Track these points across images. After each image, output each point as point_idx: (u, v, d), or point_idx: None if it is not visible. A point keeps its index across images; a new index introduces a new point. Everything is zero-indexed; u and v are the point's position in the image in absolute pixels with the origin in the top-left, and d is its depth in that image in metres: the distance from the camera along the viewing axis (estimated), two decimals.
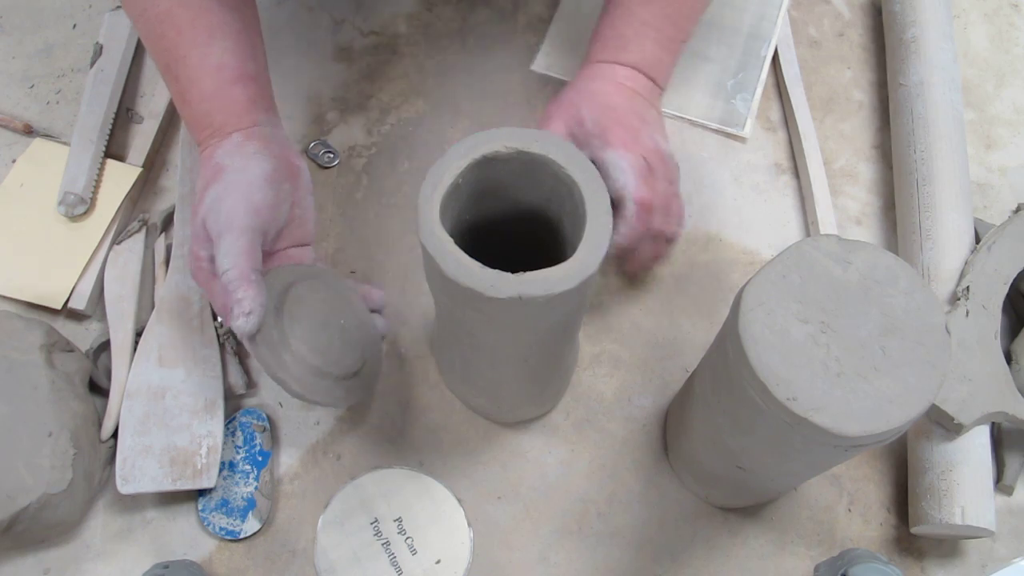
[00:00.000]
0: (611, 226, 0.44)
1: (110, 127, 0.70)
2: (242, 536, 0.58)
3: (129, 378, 0.60)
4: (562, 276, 0.42)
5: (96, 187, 0.67)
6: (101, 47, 0.72)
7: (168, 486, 0.57)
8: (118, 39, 0.73)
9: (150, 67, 0.75)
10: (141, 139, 0.70)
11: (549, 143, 0.45)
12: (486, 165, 0.45)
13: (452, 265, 0.42)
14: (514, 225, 0.51)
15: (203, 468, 0.58)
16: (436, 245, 0.42)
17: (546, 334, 0.48)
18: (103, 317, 0.63)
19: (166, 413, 0.59)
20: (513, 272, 0.42)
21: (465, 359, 0.54)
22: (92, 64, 0.72)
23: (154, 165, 0.71)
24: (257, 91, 0.57)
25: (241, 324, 0.49)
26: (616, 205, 0.54)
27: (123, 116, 0.72)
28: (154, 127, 0.70)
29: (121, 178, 0.67)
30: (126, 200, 0.67)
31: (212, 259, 0.53)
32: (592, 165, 0.45)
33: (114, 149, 0.70)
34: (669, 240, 0.61)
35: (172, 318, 0.62)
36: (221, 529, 0.58)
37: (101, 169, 0.68)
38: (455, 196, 0.45)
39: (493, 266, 0.42)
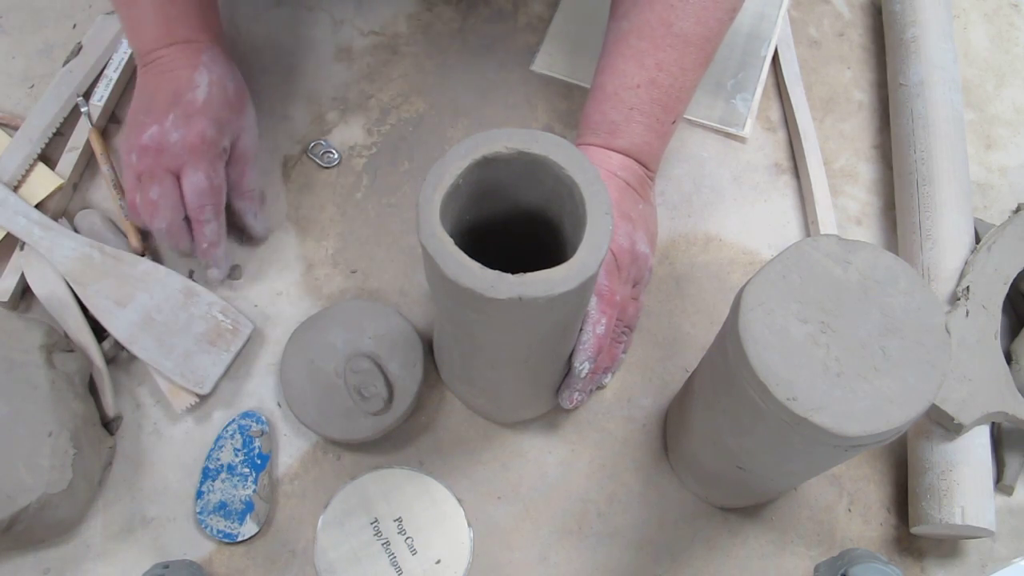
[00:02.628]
0: (612, 227, 0.43)
1: (54, 131, 0.69)
2: (239, 539, 0.58)
3: (112, 335, 0.62)
4: (563, 277, 0.42)
5: (18, 187, 0.66)
6: (80, 47, 0.72)
7: (228, 359, 0.63)
8: (98, 44, 0.72)
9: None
10: (78, 153, 0.69)
11: (550, 144, 0.45)
12: (486, 165, 0.45)
13: (452, 266, 0.41)
14: (515, 226, 0.51)
15: (234, 325, 0.63)
16: (436, 246, 0.42)
17: (546, 335, 0.48)
18: (43, 311, 0.64)
19: (166, 325, 0.62)
20: (514, 273, 0.42)
21: (465, 359, 0.54)
22: (65, 63, 0.72)
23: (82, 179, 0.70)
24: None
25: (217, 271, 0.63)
26: None
27: (75, 120, 0.71)
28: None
29: (41, 185, 0.67)
30: (40, 207, 0.66)
31: (216, 144, 0.60)
32: (593, 166, 0.45)
33: (57, 154, 0.69)
34: (620, 342, 0.60)
35: (91, 271, 0.63)
36: (219, 532, 0.58)
37: (28, 170, 0.67)
38: (455, 197, 0.45)
39: (493, 267, 0.42)
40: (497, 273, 0.41)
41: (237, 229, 0.67)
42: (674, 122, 0.60)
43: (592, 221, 0.43)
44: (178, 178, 0.60)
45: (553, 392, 0.58)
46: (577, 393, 0.57)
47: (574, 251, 0.43)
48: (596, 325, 0.54)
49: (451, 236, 0.43)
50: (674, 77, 0.58)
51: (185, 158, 0.59)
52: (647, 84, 0.58)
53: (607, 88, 0.59)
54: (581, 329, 0.53)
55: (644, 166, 0.60)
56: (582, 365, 0.54)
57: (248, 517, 0.58)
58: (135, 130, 0.60)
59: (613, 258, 0.55)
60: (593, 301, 0.53)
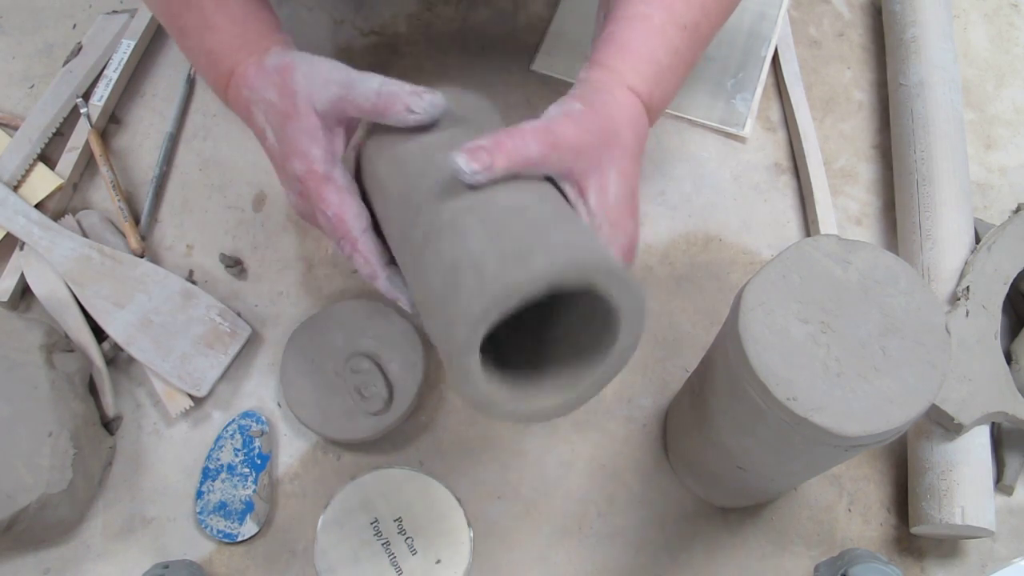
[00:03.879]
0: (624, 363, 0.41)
1: (54, 131, 0.69)
2: (239, 539, 0.58)
3: (110, 336, 0.62)
4: (558, 405, 0.41)
5: (17, 187, 0.66)
6: (80, 47, 0.72)
7: (226, 361, 0.62)
8: (98, 44, 0.72)
9: (129, 89, 0.75)
10: (77, 153, 0.69)
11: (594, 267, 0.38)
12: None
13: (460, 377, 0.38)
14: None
15: (232, 328, 0.63)
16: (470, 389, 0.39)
17: None
18: (43, 311, 0.64)
19: (164, 327, 0.62)
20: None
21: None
22: (65, 63, 0.72)
23: (82, 179, 0.70)
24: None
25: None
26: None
27: (75, 120, 0.70)
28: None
29: (41, 185, 0.67)
30: (40, 207, 0.66)
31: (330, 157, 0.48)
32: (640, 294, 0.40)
33: (57, 154, 0.69)
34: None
35: (90, 272, 0.63)
36: (219, 532, 0.58)
37: (28, 170, 0.67)
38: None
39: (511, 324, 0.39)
40: (495, 386, 0.39)
41: None
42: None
43: (616, 353, 0.41)
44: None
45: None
46: None
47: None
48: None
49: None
50: (712, 27, 0.50)
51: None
52: (693, 27, 0.49)
53: (654, 18, 0.48)
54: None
55: (650, 120, 0.50)
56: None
57: (248, 517, 0.58)
58: (281, 163, 0.50)
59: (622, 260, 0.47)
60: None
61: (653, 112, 0.49)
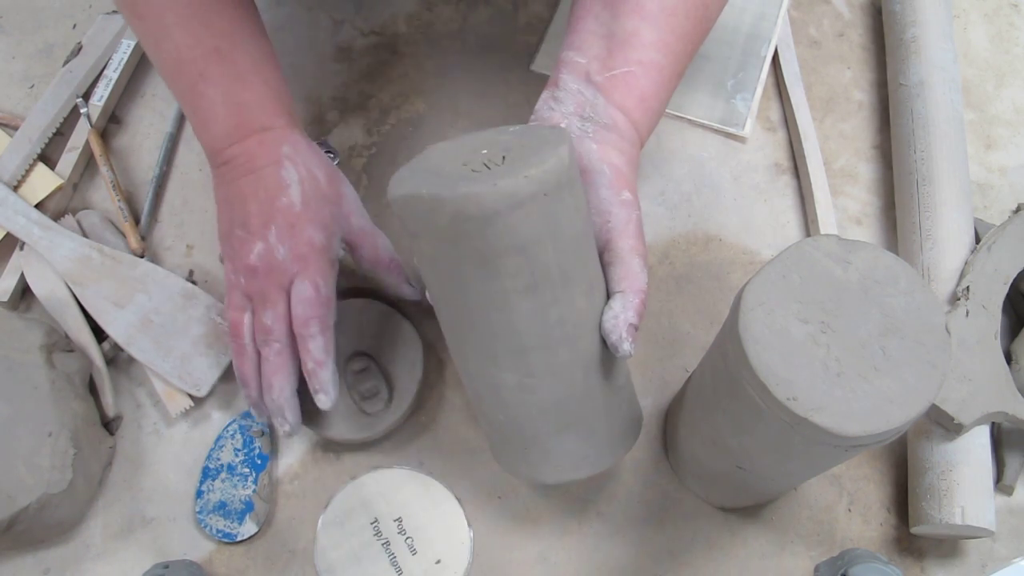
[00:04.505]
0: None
1: (54, 131, 0.69)
2: (239, 539, 0.58)
3: (110, 336, 0.62)
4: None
5: (17, 187, 0.66)
6: (80, 47, 0.72)
7: (226, 362, 0.62)
8: (98, 44, 0.72)
9: (129, 89, 0.75)
10: (77, 153, 0.69)
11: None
12: None
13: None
14: None
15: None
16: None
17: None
18: (43, 311, 0.64)
19: (164, 327, 0.62)
20: None
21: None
22: (65, 63, 0.72)
23: (82, 179, 0.70)
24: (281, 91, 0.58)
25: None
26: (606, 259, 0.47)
27: (75, 120, 0.70)
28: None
29: (41, 184, 0.67)
30: (40, 207, 0.66)
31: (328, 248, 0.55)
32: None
33: (57, 154, 0.69)
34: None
35: (90, 272, 0.63)
36: (218, 531, 0.58)
37: (28, 170, 0.67)
38: None
39: None
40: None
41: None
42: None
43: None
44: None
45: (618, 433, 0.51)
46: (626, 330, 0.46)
47: None
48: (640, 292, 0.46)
49: None
50: (687, 53, 0.52)
51: (296, 269, 0.53)
52: (677, 41, 0.51)
53: (643, 36, 0.50)
54: (619, 291, 0.46)
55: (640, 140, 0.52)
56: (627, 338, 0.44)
57: (248, 517, 0.58)
58: (237, 247, 0.54)
59: (643, 247, 0.48)
60: (638, 263, 0.46)
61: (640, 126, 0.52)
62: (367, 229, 0.59)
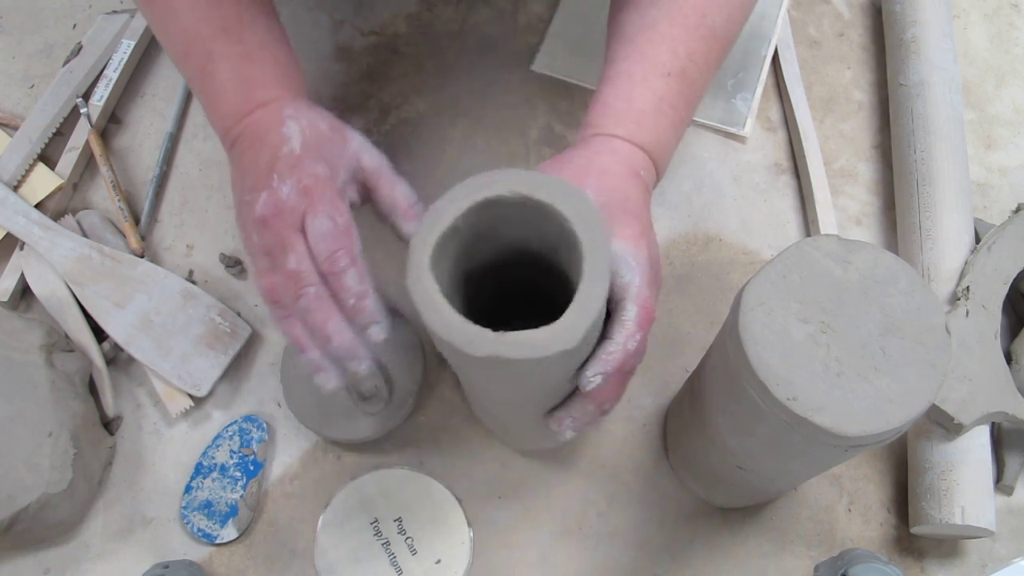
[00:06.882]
0: (606, 292, 0.39)
1: (54, 131, 0.69)
2: (218, 542, 0.58)
3: (110, 336, 0.62)
4: (545, 341, 0.38)
5: (17, 187, 0.66)
6: (80, 47, 0.72)
7: (226, 361, 0.62)
8: (98, 44, 0.72)
9: (129, 89, 0.75)
10: (77, 153, 0.69)
11: (556, 191, 0.41)
12: (487, 208, 0.42)
13: (433, 316, 0.39)
14: (522, 268, 0.48)
15: (232, 328, 0.63)
16: (421, 294, 0.39)
17: (543, 388, 0.45)
18: (43, 311, 0.64)
19: (164, 327, 0.62)
20: (519, 318, 0.40)
21: (468, 392, 0.54)
22: (65, 63, 0.72)
23: (82, 179, 0.70)
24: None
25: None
26: (611, 307, 0.45)
27: (75, 120, 0.70)
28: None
29: (41, 184, 0.67)
30: (40, 207, 0.66)
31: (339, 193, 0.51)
32: (603, 224, 0.40)
33: (57, 154, 0.69)
34: (630, 373, 0.48)
35: (90, 272, 0.63)
36: (199, 530, 0.58)
37: (29, 170, 0.67)
38: (454, 239, 0.42)
39: (498, 310, 0.39)
40: (478, 329, 0.39)
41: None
42: (687, 124, 0.55)
43: (587, 282, 0.39)
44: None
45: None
46: (570, 419, 0.47)
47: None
48: (630, 339, 0.44)
49: (451, 277, 0.41)
50: (700, 71, 0.53)
51: (303, 206, 0.49)
52: (678, 74, 0.52)
53: (635, 74, 0.52)
54: (608, 338, 0.44)
55: (656, 168, 0.53)
56: (593, 376, 0.43)
57: (230, 521, 0.58)
58: (246, 209, 0.51)
59: (650, 267, 0.47)
60: (632, 312, 0.45)
61: (656, 157, 0.52)
62: (382, 169, 0.54)
